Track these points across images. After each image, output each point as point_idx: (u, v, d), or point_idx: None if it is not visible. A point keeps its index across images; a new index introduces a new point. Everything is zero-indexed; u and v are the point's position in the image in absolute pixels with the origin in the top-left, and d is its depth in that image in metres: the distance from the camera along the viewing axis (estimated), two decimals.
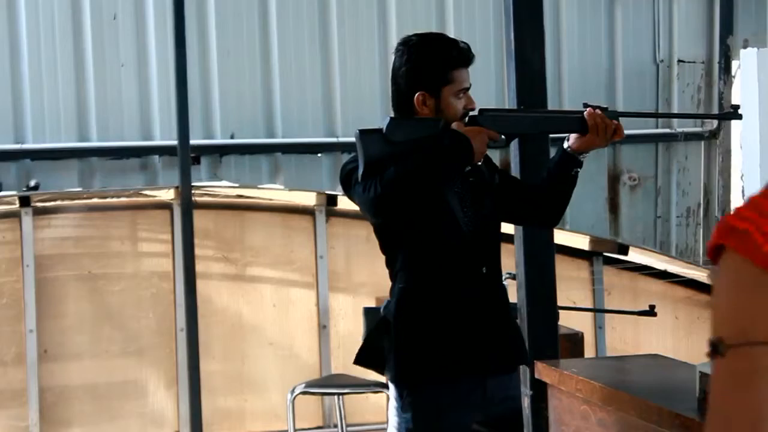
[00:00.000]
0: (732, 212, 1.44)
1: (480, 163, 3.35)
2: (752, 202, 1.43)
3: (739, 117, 3.57)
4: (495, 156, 3.90)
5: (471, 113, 3.32)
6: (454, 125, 3.27)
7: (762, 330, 1.37)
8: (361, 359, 3.41)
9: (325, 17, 7.47)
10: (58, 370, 6.06)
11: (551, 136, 3.68)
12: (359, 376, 5.55)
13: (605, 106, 3.42)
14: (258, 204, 6.38)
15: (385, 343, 3.32)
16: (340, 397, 5.67)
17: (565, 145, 3.41)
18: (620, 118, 3.40)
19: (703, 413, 3.07)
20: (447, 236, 3.28)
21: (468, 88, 3.32)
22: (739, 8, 8.26)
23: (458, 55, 3.30)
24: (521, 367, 3.53)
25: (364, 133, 3.23)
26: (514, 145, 3.71)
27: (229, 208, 6.34)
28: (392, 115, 3.34)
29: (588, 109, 3.37)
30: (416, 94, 3.27)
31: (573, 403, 3.25)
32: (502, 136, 3.34)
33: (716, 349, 1.39)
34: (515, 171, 3.79)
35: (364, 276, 6.27)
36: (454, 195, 3.29)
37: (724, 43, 8.28)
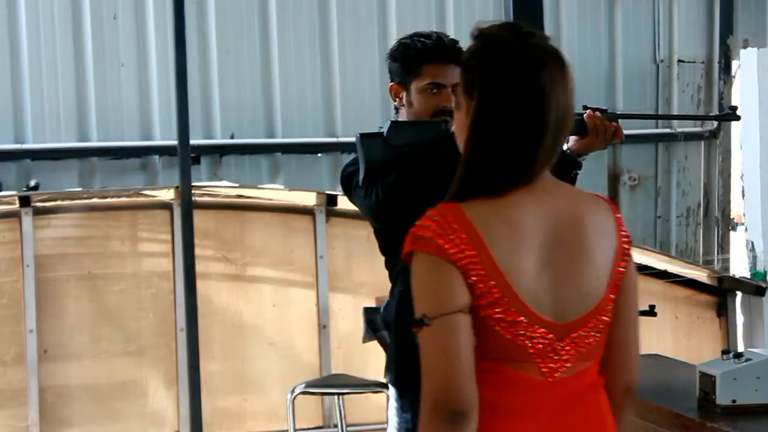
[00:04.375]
0: (416, 225, 2.09)
1: None
2: (428, 217, 2.08)
3: (737, 118, 3.57)
4: None
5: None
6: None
7: (449, 303, 1.99)
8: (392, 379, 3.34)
9: (325, 17, 7.46)
10: (58, 370, 6.06)
11: None
12: (359, 376, 5.56)
13: (604, 107, 3.42)
14: (258, 204, 6.38)
15: (385, 343, 3.31)
16: (340, 397, 5.67)
17: (565, 146, 3.41)
18: (620, 120, 3.40)
19: (703, 413, 3.07)
20: None
21: (442, 85, 3.27)
22: (739, 8, 8.26)
23: (431, 48, 3.27)
24: None
25: (364, 137, 3.22)
26: None
27: (229, 208, 6.34)
28: (392, 116, 3.35)
29: (587, 111, 3.37)
30: (390, 84, 3.31)
31: None
32: None
33: (422, 322, 2.00)
34: None
35: (364, 276, 6.27)
36: None
37: (724, 43, 8.28)
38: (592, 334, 2.09)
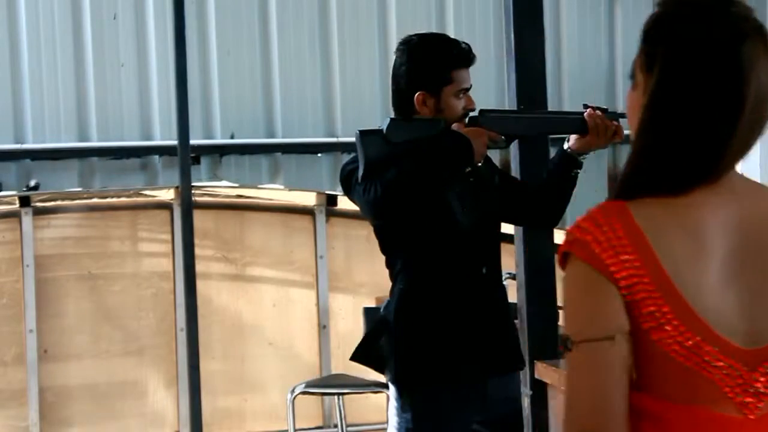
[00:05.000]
0: (574, 224, 1.71)
1: (480, 164, 3.35)
2: (589, 216, 1.70)
3: None
4: (495, 156, 3.89)
5: (471, 114, 3.32)
6: (454, 126, 3.27)
7: (599, 327, 1.63)
8: (358, 356, 3.41)
9: (325, 17, 7.46)
10: (58, 370, 6.06)
11: (552, 136, 3.68)
12: (359, 376, 5.55)
13: (605, 106, 3.42)
14: (258, 204, 6.38)
15: (384, 343, 3.32)
16: (340, 397, 5.67)
17: (565, 146, 3.41)
18: (620, 119, 3.41)
19: None
20: (447, 237, 3.28)
21: (468, 89, 3.32)
22: None
23: (459, 55, 3.30)
24: (521, 369, 3.53)
25: (364, 134, 3.23)
26: (514, 145, 3.71)
27: (229, 208, 6.34)
28: (392, 115, 3.34)
29: (588, 110, 3.37)
30: (416, 94, 3.27)
31: None
32: (503, 137, 3.34)
33: (565, 345, 1.66)
34: (515, 171, 3.78)
35: (364, 276, 6.27)
36: (455, 196, 3.29)
37: None
38: None
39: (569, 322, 1.68)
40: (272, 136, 7.41)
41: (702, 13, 1.71)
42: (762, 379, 1.66)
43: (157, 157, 7.19)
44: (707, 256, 1.66)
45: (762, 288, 1.68)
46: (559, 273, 3.98)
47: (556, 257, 1.79)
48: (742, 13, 1.72)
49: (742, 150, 1.76)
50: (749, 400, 1.66)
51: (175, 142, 5.62)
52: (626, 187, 1.73)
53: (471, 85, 3.32)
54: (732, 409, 1.65)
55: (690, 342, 1.64)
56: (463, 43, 3.34)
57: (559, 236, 4.92)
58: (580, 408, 1.63)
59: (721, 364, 1.65)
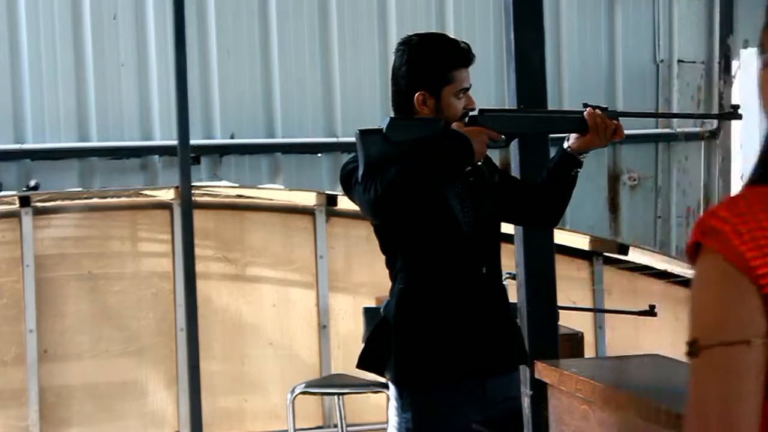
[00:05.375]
0: (709, 212, 1.49)
1: (480, 163, 3.35)
2: (728, 203, 1.48)
3: (739, 117, 3.57)
4: (495, 156, 3.90)
5: (471, 113, 3.32)
6: (454, 125, 3.26)
7: (734, 330, 1.43)
8: (363, 363, 3.41)
9: (325, 17, 7.46)
10: (58, 370, 6.06)
11: (552, 136, 3.68)
12: (359, 376, 5.55)
13: (605, 106, 3.42)
14: (258, 204, 6.38)
15: (384, 343, 3.31)
16: (340, 397, 5.66)
17: (565, 145, 3.41)
18: (620, 118, 3.40)
19: None
20: (447, 236, 3.28)
21: (468, 88, 3.32)
22: (739, 8, 8.26)
23: (459, 54, 3.30)
24: (521, 367, 3.53)
25: (364, 133, 3.23)
26: (514, 145, 3.71)
27: (229, 208, 6.34)
28: (392, 114, 3.34)
29: (588, 109, 3.37)
30: (416, 94, 3.27)
31: (573, 403, 3.25)
32: (503, 137, 3.34)
33: (691, 349, 1.45)
34: (515, 171, 3.78)
35: (364, 276, 6.27)
36: (454, 195, 3.29)
37: (724, 43, 8.28)
38: None
39: (697, 324, 1.48)
40: (272, 136, 7.41)
41: None
42: None
43: (157, 157, 7.20)
44: None
45: None
46: (560, 273, 3.95)
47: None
48: None
49: None
50: None
51: (175, 142, 5.64)
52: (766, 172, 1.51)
53: (471, 85, 3.32)
54: None
55: None
56: (463, 42, 3.34)
57: (559, 236, 4.92)
58: (707, 420, 1.45)
59: None
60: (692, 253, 1.51)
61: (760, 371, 1.43)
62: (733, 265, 1.44)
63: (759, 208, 1.45)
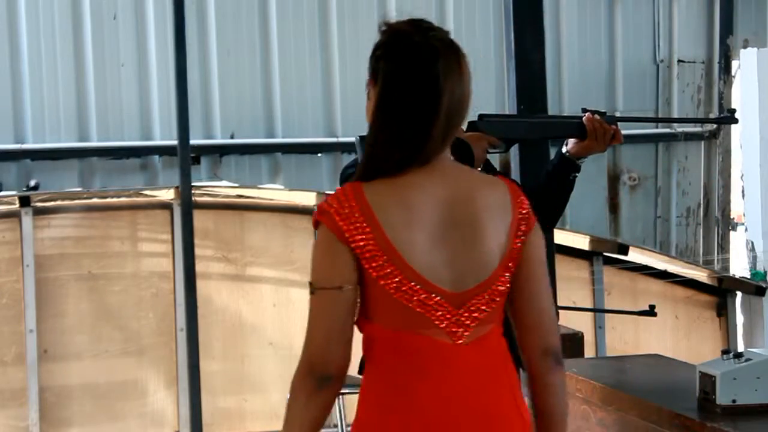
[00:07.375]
0: (324, 200, 2.27)
1: (480, 168, 3.34)
2: (335, 194, 2.26)
3: (735, 121, 3.58)
4: (494, 160, 3.89)
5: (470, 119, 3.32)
6: None
7: (332, 279, 2.22)
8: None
9: (325, 17, 7.46)
10: (58, 370, 6.07)
11: (551, 140, 3.68)
12: (359, 376, 5.54)
13: (603, 110, 3.42)
14: (258, 204, 6.38)
15: None
16: (341, 397, 5.66)
17: (564, 149, 3.41)
18: (618, 123, 3.40)
19: (704, 413, 3.08)
20: None
21: None
22: (739, 8, 8.26)
23: None
24: (521, 367, 3.53)
25: (363, 139, 3.22)
26: (514, 149, 3.71)
27: (229, 208, 6.34)
28: None
29: (587, 114, 3.37)
30: None
31: (573, 403, 3.25)
32: (502, 142, 3.34)
33: (311, 289, 2.25)
34: (515, 175, 3.79)
35: None
36: None
37: (724, 43, 8.28)
38: (488, 301, 2.26)
39: (313, 273, 2.25)
40: (272, 136, 7.41)
41: (408, 37, 2.36)
42: (466, 314, 2.24)
43: (157, 157, 7.19)
44: (419, 224, 2.22)
45: (461, 248, 2.23)
46: (560, 273, 3.98)
47: None
48: (438, 35, 2.31)
49: (444, 139, 2.28)
50: (456, 329, 2.24)
51: (175, 142, 5.64)
52: (364, 172, 2.29)
53: None
54: (444, 336, 2.23)
55: (406, 287, 2.21)
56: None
57: (559, 236, 4.94)
58: (311, 336, 2.27)
59: (432, 302, 2.22)
60: (315, 226, 2.28)
61: (351, 306, 2.24)
62: (334, 235, 2.22)
63: (351, 197, 2.23)
